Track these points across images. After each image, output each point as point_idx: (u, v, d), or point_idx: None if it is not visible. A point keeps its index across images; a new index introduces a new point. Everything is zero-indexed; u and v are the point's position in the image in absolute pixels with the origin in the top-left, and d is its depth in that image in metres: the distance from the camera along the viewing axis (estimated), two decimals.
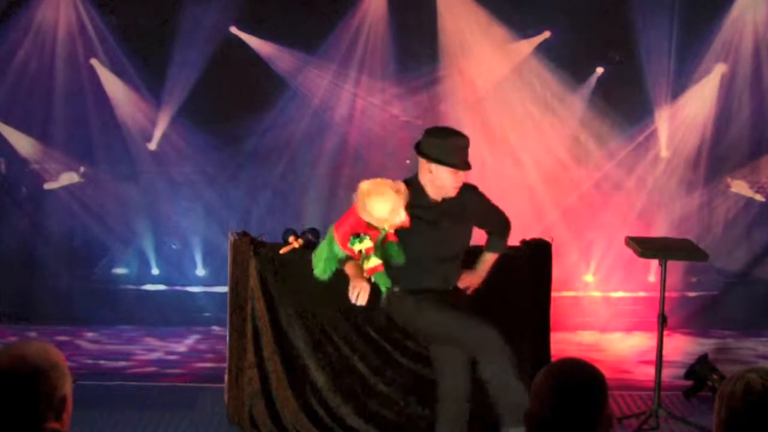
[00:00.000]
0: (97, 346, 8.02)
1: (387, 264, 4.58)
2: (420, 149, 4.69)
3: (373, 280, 4.57)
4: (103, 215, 9.48)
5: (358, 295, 4.47)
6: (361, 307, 4.59)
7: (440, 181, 4.66)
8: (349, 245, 4.53)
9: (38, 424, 2.33)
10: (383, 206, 4.49)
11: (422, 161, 4.68)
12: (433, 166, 4.64)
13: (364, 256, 4.51)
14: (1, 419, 2.31)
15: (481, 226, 4.97)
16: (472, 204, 4.80)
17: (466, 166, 4.66)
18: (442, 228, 4.69)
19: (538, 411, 2.47)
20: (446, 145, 4.64)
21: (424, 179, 4.69)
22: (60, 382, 2.37)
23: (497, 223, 4.96)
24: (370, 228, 4.53)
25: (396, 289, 4.69)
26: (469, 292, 4.97)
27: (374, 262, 4.52)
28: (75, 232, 9.59)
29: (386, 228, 4.54)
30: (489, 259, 5.00)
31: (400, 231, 4.58)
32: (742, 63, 9.41)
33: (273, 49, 9.51)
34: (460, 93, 9.56)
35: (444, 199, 4.71)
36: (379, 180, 4.58)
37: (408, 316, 4.80)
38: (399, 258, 4.59)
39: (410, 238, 4.61)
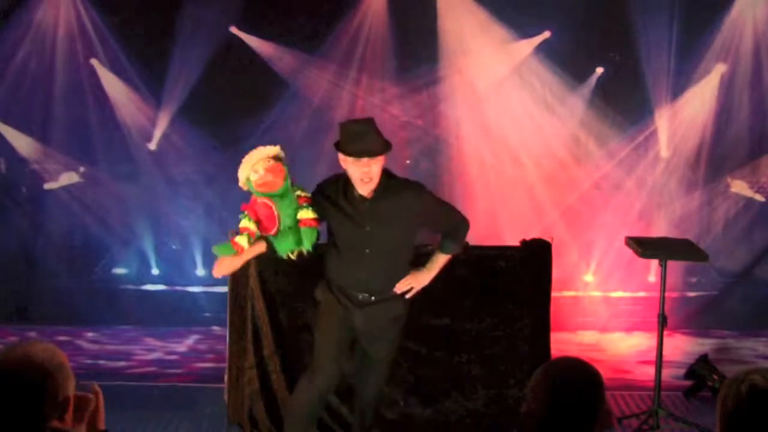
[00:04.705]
0: (97, 346, 8.02)
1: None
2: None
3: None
4: (103, 215, 9.49)
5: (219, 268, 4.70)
6: None
7: (349, 172, 4.42)
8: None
9: (42, 423, 2.35)
10: (245, 172, 4.48)
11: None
12: (340, 157, 4.43)
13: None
14: (6, 419, 2.33)
15: (430, 229, 4.65)
16: (415, 205, 4.46)
17: (359, 153, 4.32)
18: (365, 229, 4.43)
19: (536, 409, 2.48)
20: (343, 132, 4.39)
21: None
22: (64, 383, 2.39)
23: (450, 224, 4.61)
24: (265, 204, 4.45)
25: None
26: (409, 295, 4.61)
27: (241, 241, 4.54)
28: (75, 232, 9.60)
29: (286, 199, 4.46)
30: (440, 259, 4.64)
31: (330, 222, 4.53)
32: (742, 63, 9.42)
33: (273, 49, 9.52)
34: (460, 93, 9.57)
35: (375, 197, 4.42)
36: None
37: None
38: (308, 245, 4.46)
39: (336, 231, 4.53)
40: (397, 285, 4.58)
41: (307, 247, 4.47)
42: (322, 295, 4.66)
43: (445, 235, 4.64)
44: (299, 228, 4.47)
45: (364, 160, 4.32)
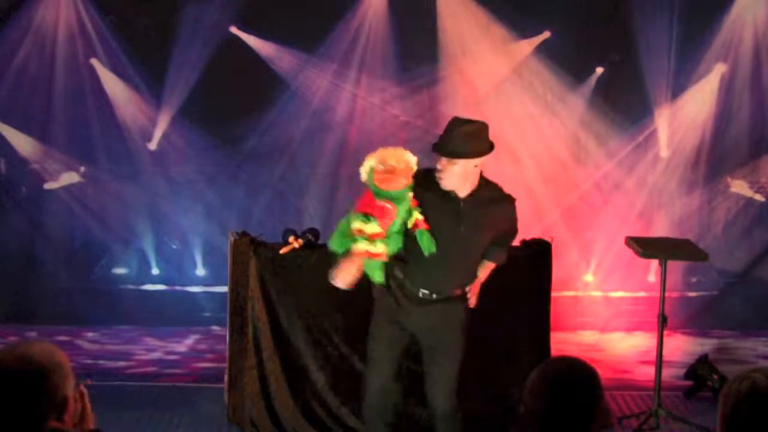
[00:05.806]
0: (97, 346, 8.03)
1: (412, 253, 4.30)
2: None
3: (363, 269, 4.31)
4: (103, 215, 9.49)
5: (337, 276, 4.27)
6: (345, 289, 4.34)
7: (469, 172, 4.37)
8: (353, 220, 4.19)
9: (40, 423, 2.35)
10: (371, 162, 4.22)
11: None
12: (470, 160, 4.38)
13: (367, 238, 4.17)
14: (4, 418, 2.34)
15: (493, 238, 4.57)
16: (504, 216, 4.55)
17: (449, 153, 4.33)
18: (459, 230, 4.37)
19: (534, 409, 2.48)
20: (446, 132, 4.47)
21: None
22: (63, 383, 2.40)
23: (509, 237, 4.70)
24: (385, 208, 4.18)
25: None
26: (472, 304, 4.61)
27: (377, 248, 4.19)
28: (75, 232, 9.59)
29: (405, 203, 4.22)
30: (488, 266, 4.67)
31: (424, 215, 4.30)
32: (742, 63, 9.41)
33: (273, 49, 9.51)
34: (460, 93, 9.56)
35: (474, 199, 4.40)
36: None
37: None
38: (430, 248, 4.27)
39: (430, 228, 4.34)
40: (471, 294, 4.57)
41: (431, 250, 4.27)
42: (377, 293, 4.61)
43: (497, 243, 4.62)
44: (400, 234, 4.29)
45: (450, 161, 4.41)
